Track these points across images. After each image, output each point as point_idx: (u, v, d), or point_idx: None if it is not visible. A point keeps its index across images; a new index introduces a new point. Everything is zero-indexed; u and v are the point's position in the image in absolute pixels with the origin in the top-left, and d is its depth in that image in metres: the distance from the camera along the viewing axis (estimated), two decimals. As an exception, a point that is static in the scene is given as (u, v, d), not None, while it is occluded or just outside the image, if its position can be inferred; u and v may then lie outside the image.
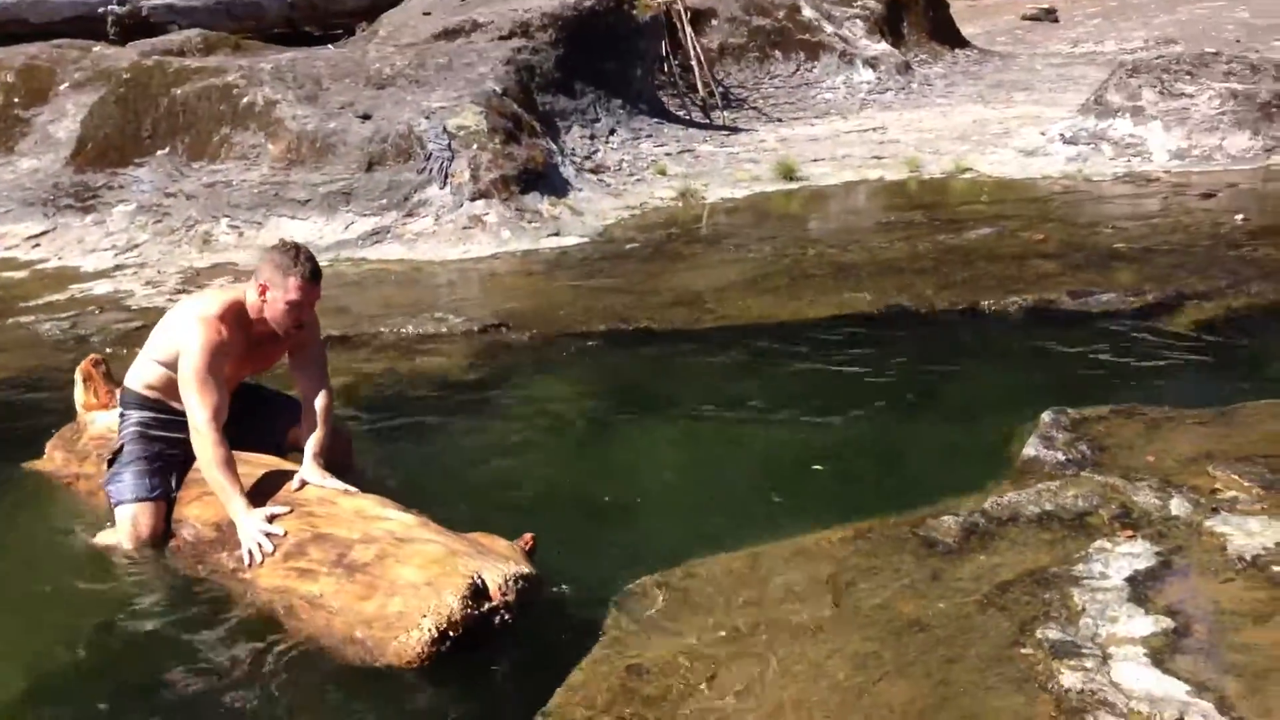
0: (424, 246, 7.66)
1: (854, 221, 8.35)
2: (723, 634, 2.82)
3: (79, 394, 4.21)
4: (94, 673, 3.04)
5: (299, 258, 3.50)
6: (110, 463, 3.65)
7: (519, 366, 5.32)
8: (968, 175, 9.27)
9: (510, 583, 2.83)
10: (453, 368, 5.34)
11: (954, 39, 15.64)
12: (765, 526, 3.49)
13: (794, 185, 9.31)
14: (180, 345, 3.47)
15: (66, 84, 11.38)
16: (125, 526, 3.51)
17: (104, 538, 3.59)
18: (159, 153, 8.95)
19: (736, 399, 4.69)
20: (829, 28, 13.73)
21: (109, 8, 12.99)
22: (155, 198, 8.45)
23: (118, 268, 7.56)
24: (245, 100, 8.85)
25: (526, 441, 4.39)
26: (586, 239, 7.77)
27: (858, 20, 14.25)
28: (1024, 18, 19.81)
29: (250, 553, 3.22)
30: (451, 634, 2.73)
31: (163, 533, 3.53)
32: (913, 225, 7.66)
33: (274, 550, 3.19)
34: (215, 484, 3.36)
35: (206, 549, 3.43)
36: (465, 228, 7.82)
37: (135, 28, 12.76)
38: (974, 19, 18.99)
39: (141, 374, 3.67)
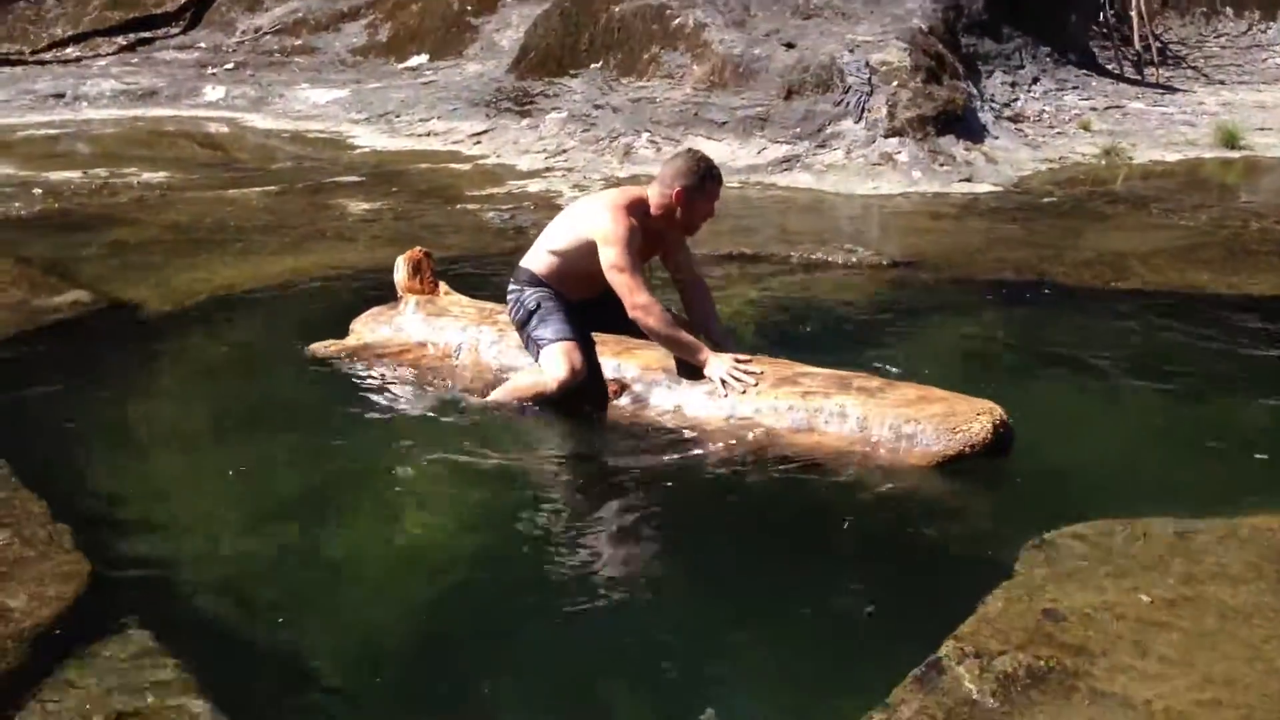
0: (832, 178, 7.70)
1: (1305, 198, 7.58)
2: (1145, 598, 2.70)
3: (401, 277, 4.43)
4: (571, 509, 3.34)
5: (713, 167, 3.81)
6: (523, 325, 3.89)
7: (926, 305, 5.27)
8: None
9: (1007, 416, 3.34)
10: (859, 298, 5.37)
11: None
12: (1188, 502, 3.29)
13: (1235, 154, 8.57)
14: (597, 233, 3.71)
15: (513, -4, 12.27)
16: (558, 360, 3.74)
17: (522, 378, 3.82)
18: (592, 66, 9.49)
19: (1161, 367, 4.42)
20: (1295, -15, 12.38)
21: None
22: (585, 108, 8.98)
23: (548, 169, 8.13)
24: (677, 22, 9.18)
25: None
26: (1000, 188, 7.53)
27: (1331, -22, 12.73)
28: None
29: (724, 382, 3.52)
30: (1000, 430, 3.27)
31: (585, 372, 3.75)
32: (1379, 208, 6.87)
33: (755, 382, 3.50)
34: (673, 343, 3.65)
35: (651, 391, 3.67)
36: (875, 164, 7.78)
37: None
38: None
39: (536, 260, 3.95)
